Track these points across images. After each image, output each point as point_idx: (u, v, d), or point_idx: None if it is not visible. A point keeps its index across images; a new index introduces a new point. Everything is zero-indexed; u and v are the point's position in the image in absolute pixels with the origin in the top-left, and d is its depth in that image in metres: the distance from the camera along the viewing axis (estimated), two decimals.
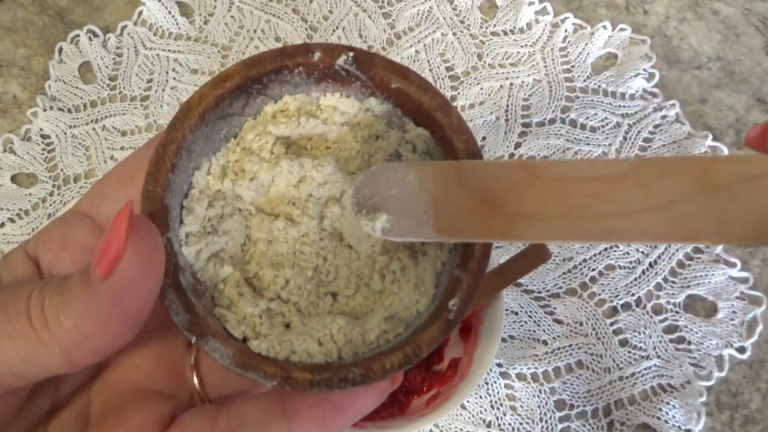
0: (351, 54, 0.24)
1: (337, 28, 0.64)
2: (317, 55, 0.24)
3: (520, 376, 0.51)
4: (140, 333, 0.21)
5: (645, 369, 0.50)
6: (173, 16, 0.64)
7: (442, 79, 0.62)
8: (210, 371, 0.25)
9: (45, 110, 0.59)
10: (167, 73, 0.62)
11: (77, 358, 0.20)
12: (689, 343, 0.51)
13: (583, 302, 0.53)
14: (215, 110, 0.24)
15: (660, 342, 0.51)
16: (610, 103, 0.60)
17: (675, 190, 0.19)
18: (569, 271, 0.54)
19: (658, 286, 0.53)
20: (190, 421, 0.22)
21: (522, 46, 0.63)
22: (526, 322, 0.52)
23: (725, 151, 0.58)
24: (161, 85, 0.62)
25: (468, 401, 0.50)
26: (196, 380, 0.25)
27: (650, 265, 0.54)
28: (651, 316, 0.52)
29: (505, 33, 0.64)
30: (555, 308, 0.53)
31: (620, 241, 0.21)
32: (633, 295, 0.53)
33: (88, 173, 0.58)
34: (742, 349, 0.51)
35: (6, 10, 0.65)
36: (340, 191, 0.26)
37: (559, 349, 0.51)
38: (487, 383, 0.50)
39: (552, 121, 0.59)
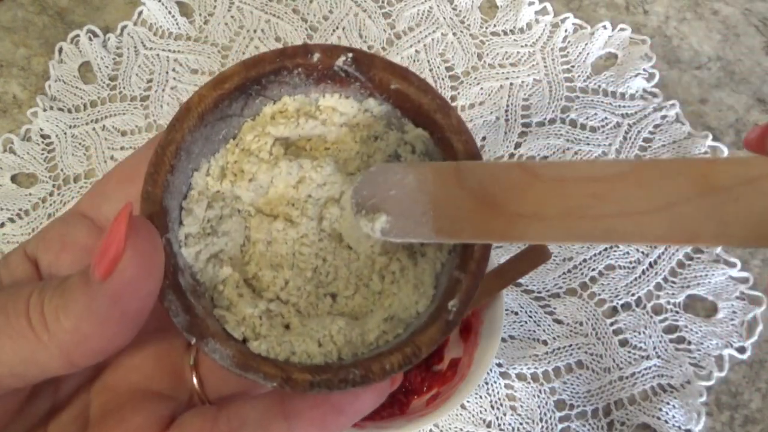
0: (350, 55, 0.24)
1: (337, 28, 0.64)
2: (316, 56, 0.24)
3: (520, 376, 0.51)
4: (140, 334, 0.21)
5: (645, 369, 0.50)
6: (173, 16, 0.64)
7: (442, 79, 0.62)
8: (210, 372, 0.25)
9: (45, 110, 0.59)
10: (167, 73, 0.62)
11: (77, 359, 0.20)
12: (689, 343, 0.51)
13: (583, 302, 0.53)
14: (214, 111, 0.24)
15: (660, 342, 0.51)
16: (610, 103, 0.60)
17: (675, 191, 0.19)
18: (569, 271, 0.54)
19: (658, 286, 0.53)
20: (190, 422, 0.22)
21: (522, 46, 0.63)
22: (526, 322, 0.52)
23: (725, 151, 0.57)
24: (161, 85, 0.62)
25: (468, 401, 0.50)
26: (195, 381, 0.25)
27: (650, 265, 0.54)
28: (651, 316, 0.52)
29: (505, 33, 0.64)
30: (555, 308, 0.53)
31: (620, 242, 0.21)
32: (633, 295, 0.53)
33: (88, 173, 0.58)
34: (742, 349, 0.51)
35: (6, 10, 0.65)
36: (340, 192, 0.26)
37: (559, 349, 0.51)
38: (487, 383, 0.50)
39: (552, 121, 0.59)
